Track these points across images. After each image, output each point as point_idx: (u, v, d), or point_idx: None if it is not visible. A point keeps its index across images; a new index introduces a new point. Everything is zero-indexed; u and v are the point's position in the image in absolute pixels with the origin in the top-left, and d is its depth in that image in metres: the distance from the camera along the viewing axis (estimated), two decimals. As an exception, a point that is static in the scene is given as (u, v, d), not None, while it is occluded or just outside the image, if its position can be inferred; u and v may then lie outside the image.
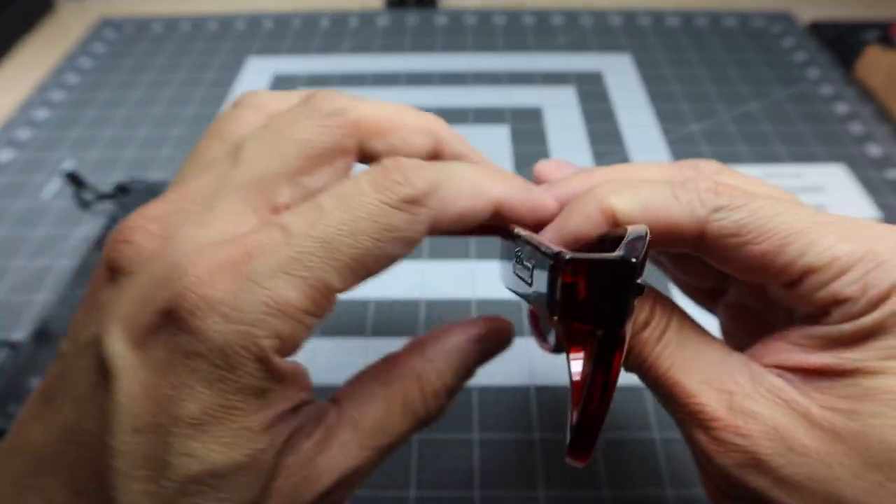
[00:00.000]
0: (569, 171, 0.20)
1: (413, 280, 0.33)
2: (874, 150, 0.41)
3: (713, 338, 0.16)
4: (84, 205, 0.38)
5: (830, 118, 0.44)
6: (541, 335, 0.22)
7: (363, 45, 0.53)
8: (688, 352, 0.16)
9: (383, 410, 0.17)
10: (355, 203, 0.14)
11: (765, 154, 0.41)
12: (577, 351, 0.14)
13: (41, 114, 0.46)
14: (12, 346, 0.30)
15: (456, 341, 0.18)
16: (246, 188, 0.15)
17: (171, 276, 0.14)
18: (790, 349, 0.15)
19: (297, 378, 0.15)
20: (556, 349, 0.20)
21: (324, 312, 0.14)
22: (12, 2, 0.55)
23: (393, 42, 0.53)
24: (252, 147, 0.16)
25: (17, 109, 0.47)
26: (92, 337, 0.14)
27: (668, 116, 0.44)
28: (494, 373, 0.28)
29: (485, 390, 0.28)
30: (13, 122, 0.45)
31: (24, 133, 0.44)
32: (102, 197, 0.38)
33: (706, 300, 0.22)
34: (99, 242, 0.35)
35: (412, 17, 0.57)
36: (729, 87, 0.47)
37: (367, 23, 0.56)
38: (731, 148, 0.41)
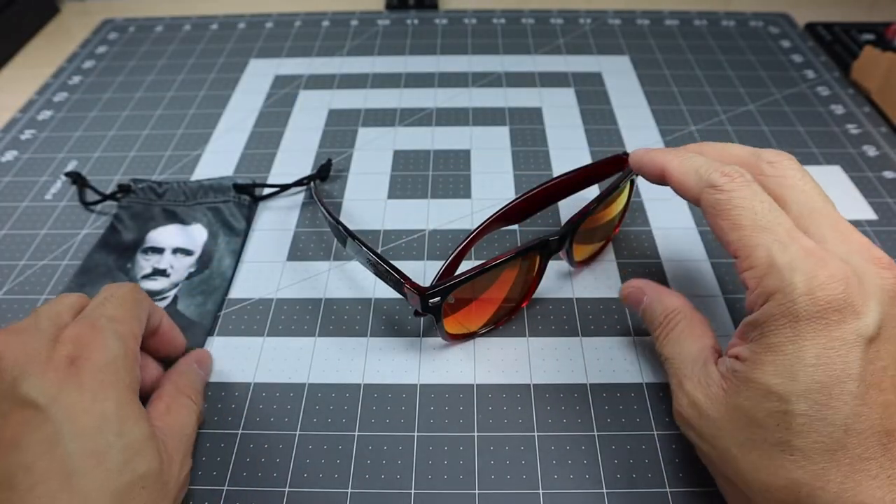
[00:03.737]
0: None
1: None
2: (870, 151, 0.42)
3: (700, 346, 0.23)
4: (87, 205, 0.38)
5: (827, 119, 0.44)
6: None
7: (364, 47, 0.53)
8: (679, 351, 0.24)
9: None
10: None
11: (762, 155, 0.41)
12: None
13: (44, 114, 0.47)
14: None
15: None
16: None
17: None
18: (736, 342, 0.21)
19: None
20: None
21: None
22: (17, 4, 0.55)
23: (393, 44, 0.54)
24: None
25: (20, 110, 0.47)
26: None
27: (666, 117, 0.45)
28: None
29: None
30: (17, 123, 0.46)
31: (27, 133, 0.45)
32: (105, 197, 0.38)
33: None
34: (102, 242, 0.35)
35: (412, 19, 0.57)
36: (727, 89, 0.47)
37: (367, 24, 0.56)
38: (728, 149, 0.42)
